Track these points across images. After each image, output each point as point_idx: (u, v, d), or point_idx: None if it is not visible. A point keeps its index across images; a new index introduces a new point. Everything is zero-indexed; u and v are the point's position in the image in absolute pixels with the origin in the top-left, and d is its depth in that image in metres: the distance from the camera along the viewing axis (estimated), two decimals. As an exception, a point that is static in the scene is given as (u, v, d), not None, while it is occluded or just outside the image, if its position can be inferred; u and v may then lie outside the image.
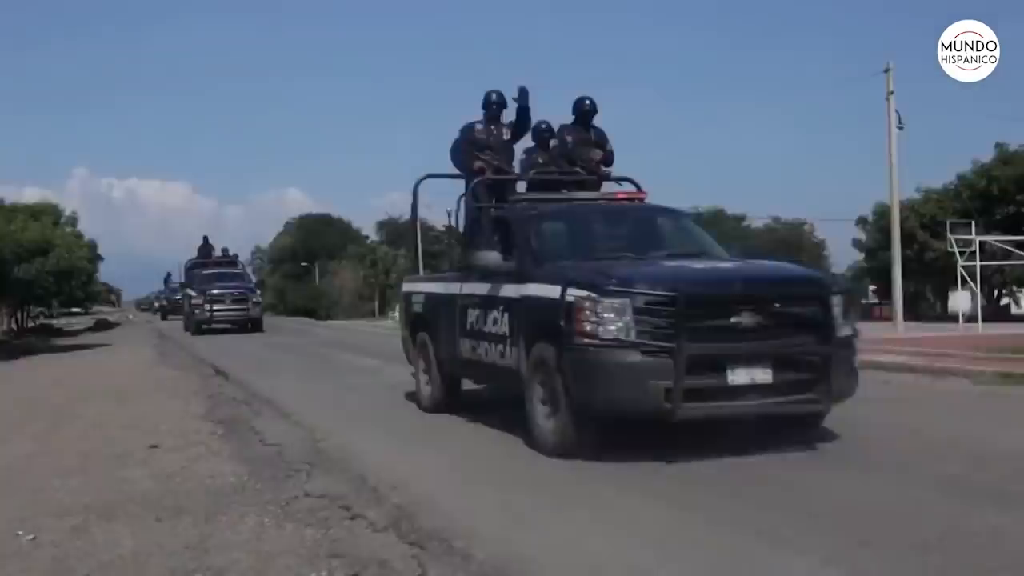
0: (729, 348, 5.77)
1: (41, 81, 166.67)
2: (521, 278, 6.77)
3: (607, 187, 8.91)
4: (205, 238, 33.63)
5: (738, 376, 5.72)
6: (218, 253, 33.34)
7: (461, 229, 8.89)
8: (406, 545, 4.17)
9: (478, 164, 8.51)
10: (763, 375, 5.75)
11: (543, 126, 8.84)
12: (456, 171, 8.92)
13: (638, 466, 5.75)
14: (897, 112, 22.39)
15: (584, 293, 5.83)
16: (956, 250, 23.93)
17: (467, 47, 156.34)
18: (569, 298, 5.91)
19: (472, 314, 7.54)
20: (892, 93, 22.40)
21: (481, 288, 7.38)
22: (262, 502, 5.21)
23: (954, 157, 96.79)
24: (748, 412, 5.96)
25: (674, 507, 4.69)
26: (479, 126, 8.72)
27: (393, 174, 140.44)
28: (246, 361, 15.61)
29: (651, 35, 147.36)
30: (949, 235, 24.33)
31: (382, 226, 72.50)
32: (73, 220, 29.38)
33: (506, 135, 8.81)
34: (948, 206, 30.66)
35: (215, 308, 26.22)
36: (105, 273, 47.52)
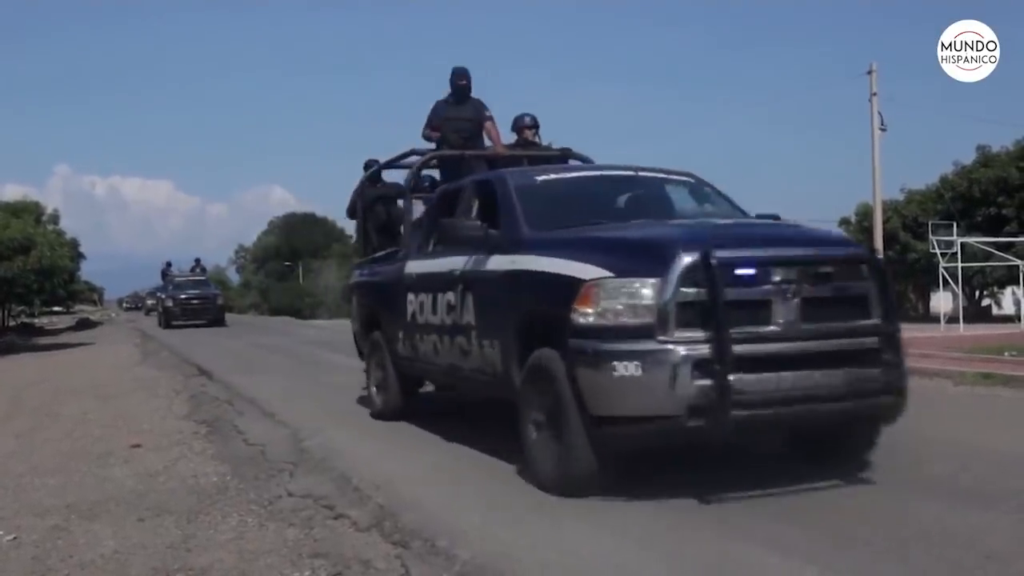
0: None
1: (23, 78, 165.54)
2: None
3: None
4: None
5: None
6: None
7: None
8: (389, 545, 4.16)
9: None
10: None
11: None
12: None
13: (623, 469, 5.76)
14: (880, 113, 22.56)
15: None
16: (938, 251, 24.12)
17: (453, 45, 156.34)
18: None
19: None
20: (875, 95, 22.56)
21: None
22: (245, 502, 5.21)
23: (936, 159, 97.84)
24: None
25: (660, 509, 4.70)
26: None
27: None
28: (229, 360, 15.51)
29: (640, 35, 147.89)
30: (931, 236, 24.54)
31: (367, 225, 72.41)
32: (55, 218, 29.24)
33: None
34: (930, 207, 30.94)
35: None
36: (87, 272, 47.28)
